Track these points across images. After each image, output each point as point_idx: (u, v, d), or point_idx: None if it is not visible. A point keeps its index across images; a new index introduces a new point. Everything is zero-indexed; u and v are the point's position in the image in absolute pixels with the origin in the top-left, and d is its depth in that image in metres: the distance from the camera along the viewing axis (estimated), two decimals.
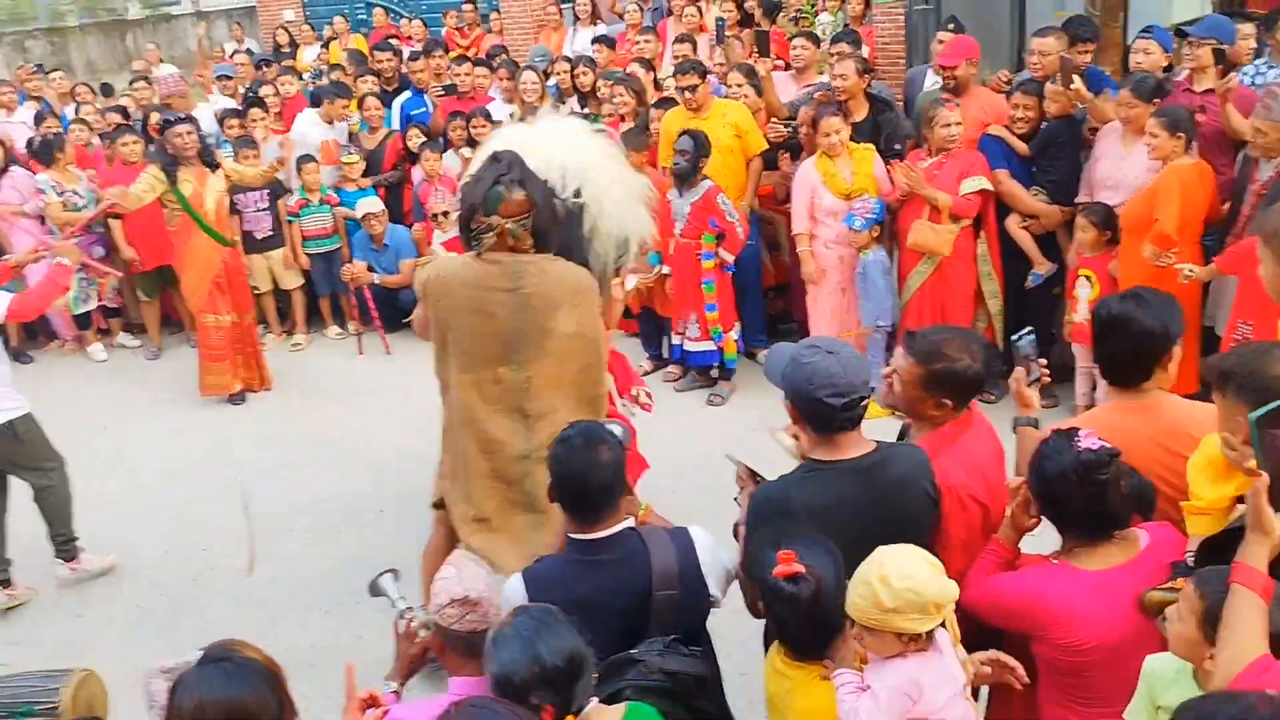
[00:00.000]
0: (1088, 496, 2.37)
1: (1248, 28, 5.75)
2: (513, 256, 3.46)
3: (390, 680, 2.62)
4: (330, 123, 8.22)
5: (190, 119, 7.05)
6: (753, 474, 2.87)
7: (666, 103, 6.98)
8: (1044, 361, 2.98)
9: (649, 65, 7.71)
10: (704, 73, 6.59)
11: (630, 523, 2.63)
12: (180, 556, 5.34)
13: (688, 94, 6.49)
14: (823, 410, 2.51)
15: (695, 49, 7.62)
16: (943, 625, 2.25)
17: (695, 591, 2.60)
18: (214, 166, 6.94)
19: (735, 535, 2.82)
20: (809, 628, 2.30)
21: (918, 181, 5.68)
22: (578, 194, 4.07)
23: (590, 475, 2.53)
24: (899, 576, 2.15)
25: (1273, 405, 2.02)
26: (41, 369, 7.97)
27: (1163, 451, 2.63)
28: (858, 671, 2.27)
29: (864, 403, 2.55)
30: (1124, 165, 5.30)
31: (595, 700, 2.15)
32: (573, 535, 2.60)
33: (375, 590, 3.04)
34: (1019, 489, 2.54)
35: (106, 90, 11.30)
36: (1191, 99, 5.35)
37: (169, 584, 5.13)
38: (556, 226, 3.58)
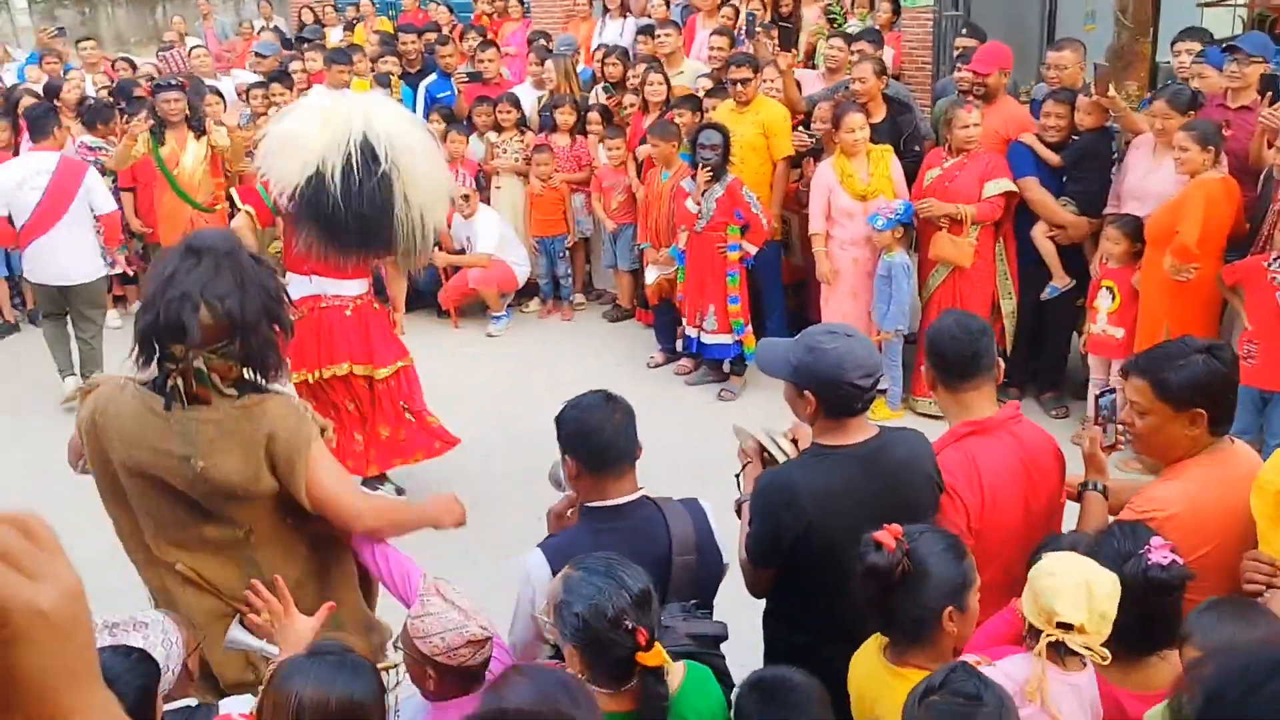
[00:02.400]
0: (1143, 615, 2.14)
1: None
2: (190, 411, 2.50)
3: None
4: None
5: (179, 86, 7.51)
6: (761, 450, 2.85)
7: (690, 100, 6.96)
8: (1122, 426, 2.85)
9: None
10: (757, 67, 6.58)
11: (644, 491, 2.63)
12: None
13: (739, 87, 6.47)
14: (851, 394, 2.52)
15: (733, 44, 7.59)
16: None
17: (711, 558, 2.63)
18: (201, 132, 7.36)
19: (737, 512, 2.82)
20: (887, 611, 2.25)
21: (937, 207, 5.71)
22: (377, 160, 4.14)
23: (607, 429, 2.54)
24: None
25: None
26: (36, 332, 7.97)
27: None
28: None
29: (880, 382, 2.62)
30: (1152, 177, 5.26)
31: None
32: (589, 505, 2.60)
33: (234, 648, 2.61)
34: None
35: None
36: (1224, 114, 5.30)
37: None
38: (270, 349, 2.56)
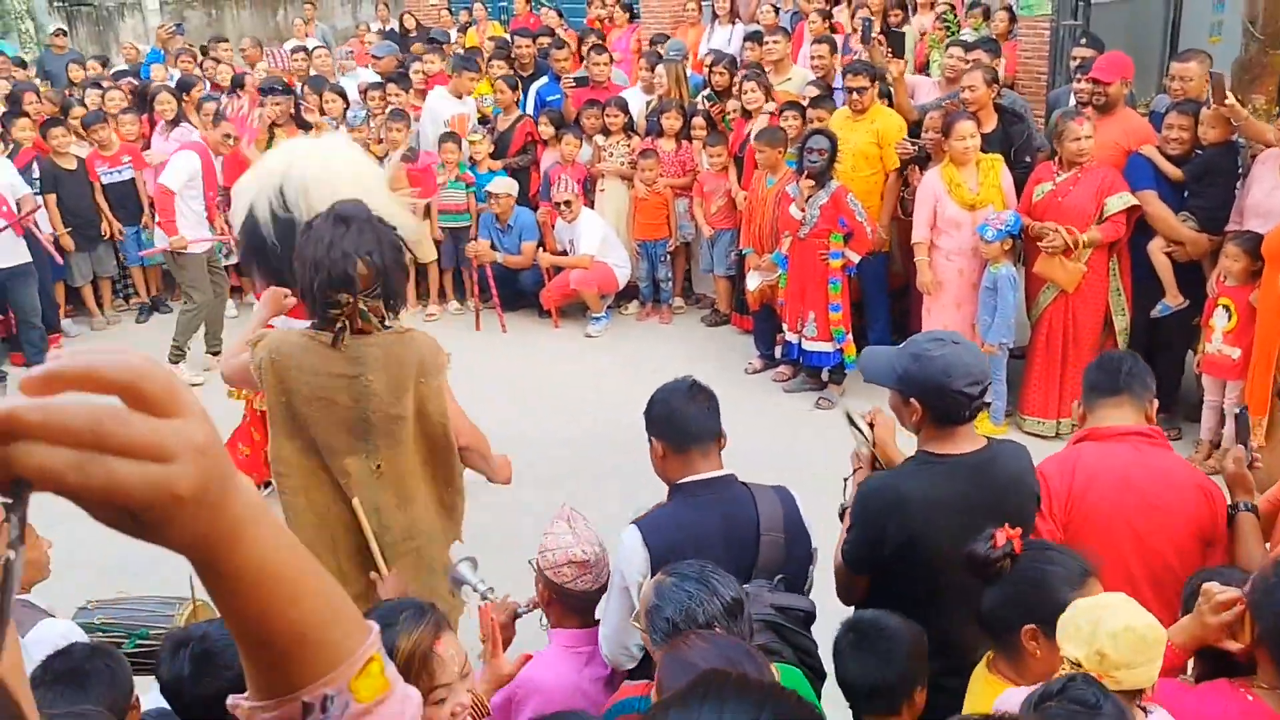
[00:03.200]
0: None
1: None
2: (356, 339, 3.13)
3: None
4: (459, 97, 8.40)
5: (284, 88, 7.95)
6: (874, 460, 2.85)
7: (795, 105, 6.94)
8: (1255, 445, 2.80)
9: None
10: (874, 75, 6.54)
11: (732, 471, 2.69)
12: None
13: (855, 95, 6.45)
14: (958, 401, 2.51)
15: (834, 50, 7.55)
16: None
17: (800, 540, 2.65)
18: (307, 128, 7.65)
19: (841, 517, 2.82)
20: (979, 602, 2.23)
21: (1059, 237, 5.55)
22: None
23: (688, 409, 2.64)
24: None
25: None
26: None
27: None
28: None
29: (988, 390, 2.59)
30: (1278, 193, 5.07)
31: None
32: (677, 482, 2.65)
33: (456, 580, 3.02)
34: (1231, 603, 2.17)
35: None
36: None
37: None
38: (401, 292, 3.28)
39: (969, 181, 5.83)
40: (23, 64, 11.26)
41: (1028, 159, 6.12)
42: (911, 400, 2.56)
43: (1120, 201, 5.50)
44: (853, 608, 2.79)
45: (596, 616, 2.74)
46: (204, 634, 2.23)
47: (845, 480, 2.90)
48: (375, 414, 3.16)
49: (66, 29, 12.59)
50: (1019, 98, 7.10)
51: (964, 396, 2.50)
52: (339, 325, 3.08)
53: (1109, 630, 1.96)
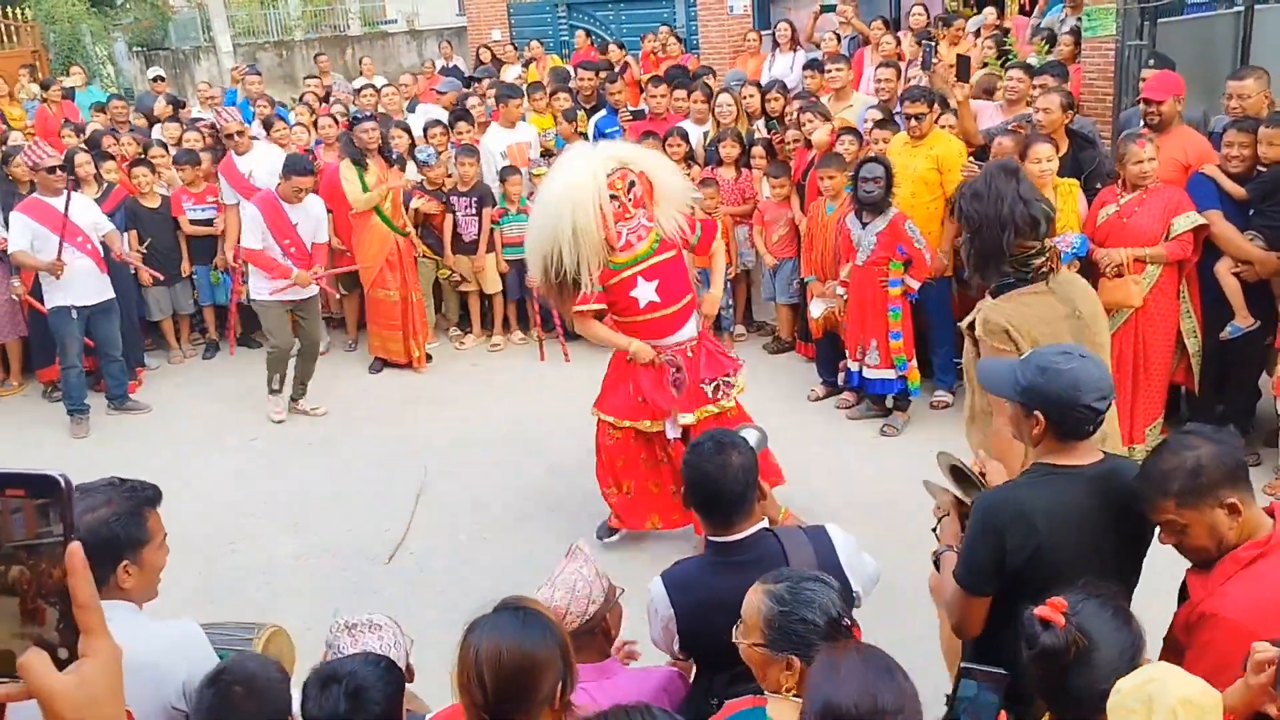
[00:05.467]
0: None
1: None
2: (1054, 279, 3.31)
3: None
4: (511, 125, 8.53)
5: (372, 117, 8.13)
6: (959, 501, 2.82)
7: (852, 131, 6.95)
8: None
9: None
10: (932, 100, 6.53)
11: (765, 524, 2.68)
12: (366, 538, 5.61)
13: (914, 121, 6.44)
14: (1085, 416, 2.50)
15: (900, 75, 7.54)
16: None
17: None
18: (392, 163, 7.88)
19: (936, 565, 2.78)
20: (1058, 690, 2.08)
21: (1119, 255, 5.47)
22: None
23: (722, 480, 2.60)
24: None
25: None
26: (257, 355, 8.48)
27: None
28: None
29: None
30: None
31: None
32: (710, 538, 2.67)
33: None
34: (1270, 662, 2.00)
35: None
36: None
37: (354, 563, 5.41)
38: None
39: None
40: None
41: (1097, 186, 6.01)
42: (1035, 413, 2.54)
43: (1187, 221, 5.39)
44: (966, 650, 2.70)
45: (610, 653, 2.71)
46: (351, 670, 2.27)
47: (934, 530, 2.87)
48: (1089, 345, 3.21)
49: (163, 74, 13.07)
50: (1089, 122, 7.01)
51: (1091, 411, 2.48)
52: (1040, 269, 3.25)
53: (1166, 706, 1.87)
